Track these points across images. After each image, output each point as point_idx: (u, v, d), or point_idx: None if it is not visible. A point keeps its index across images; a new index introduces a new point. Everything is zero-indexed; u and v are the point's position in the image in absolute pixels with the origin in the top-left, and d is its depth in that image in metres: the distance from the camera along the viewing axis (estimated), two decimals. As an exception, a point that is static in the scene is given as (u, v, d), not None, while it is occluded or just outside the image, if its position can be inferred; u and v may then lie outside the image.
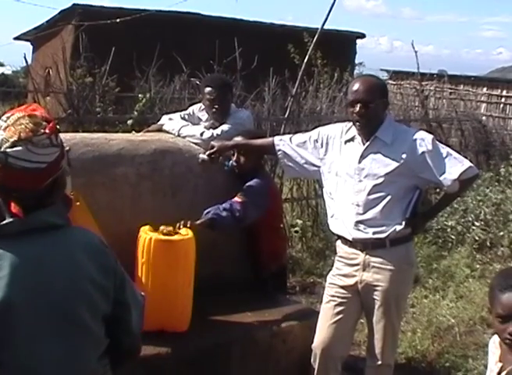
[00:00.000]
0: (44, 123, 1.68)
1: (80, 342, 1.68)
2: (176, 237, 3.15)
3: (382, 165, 3.13)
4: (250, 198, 3.57)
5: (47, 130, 1.67)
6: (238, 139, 3.66)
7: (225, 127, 3.85)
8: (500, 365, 2.05)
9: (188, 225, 3.25)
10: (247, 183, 3.65)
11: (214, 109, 3.91)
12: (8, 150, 1.62)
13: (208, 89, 3.90)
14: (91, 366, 1.71)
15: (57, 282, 1.64)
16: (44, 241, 1.66)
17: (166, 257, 3.11)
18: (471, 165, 3.15)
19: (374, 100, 3.10)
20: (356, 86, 3.15)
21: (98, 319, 1.72)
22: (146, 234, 3.15)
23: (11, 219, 1.66)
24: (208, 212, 3.42)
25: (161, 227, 3.19)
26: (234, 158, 3.74)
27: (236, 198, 3.54)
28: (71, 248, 1.69)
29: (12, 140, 1.63)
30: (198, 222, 3.35)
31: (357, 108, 3.09)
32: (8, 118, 1.68)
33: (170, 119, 4.10)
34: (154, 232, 3.18)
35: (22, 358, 1.62)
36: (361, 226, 3.16)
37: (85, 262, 1.68)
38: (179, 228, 3.22)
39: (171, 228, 3.19)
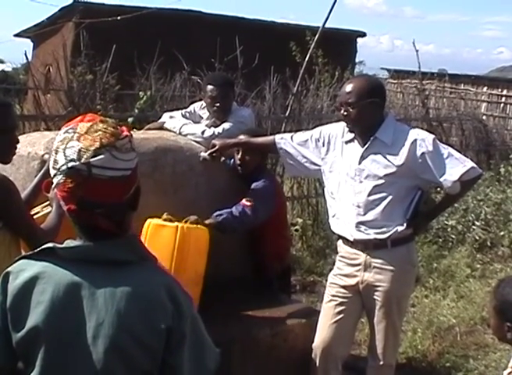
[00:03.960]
0: (119, 127, 1.53)
1: None
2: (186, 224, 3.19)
3: (382, 166, 3.11)
4: (259, 200, 3.53)
5: (126, 132, 1.53)
6: (241, 137, 3.66)
7: (226, 126, 3.83)
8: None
9: (194, 221, 3.25)
10: (254, 185, 3.61)
11: (215, 107, 3.89)
12: (91, 160, 1.45)
13: (209, 87, 3.88)
14: None
15: (92, 325, 1.48)
16: (98, 275, 1.49)
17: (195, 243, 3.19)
18: (474, 165, 3.12)
19: (357, 101, 3.06)
20: (342, 88, 3.18)
21: None
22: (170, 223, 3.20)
23: (71, 244, 1.52)
24: (218, 215, 3.39)
25: (164, 216, 3.23)
26: (239, 156, 3.70)
27: (245, 202, 3.49)
28: (122, 295, 1.49)
29: (92, 148, 1.46)
30: (207, 221, 3.33)
31: (342, 111, 3.10)
32: (73, 128, 1.51)
33: (171, 117, 4.08)
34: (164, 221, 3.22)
35: None
36: (362, 228, 3.15)
37: (131, 315, 1.49)
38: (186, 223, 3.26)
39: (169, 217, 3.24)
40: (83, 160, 1.45)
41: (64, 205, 1.52)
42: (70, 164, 1.46)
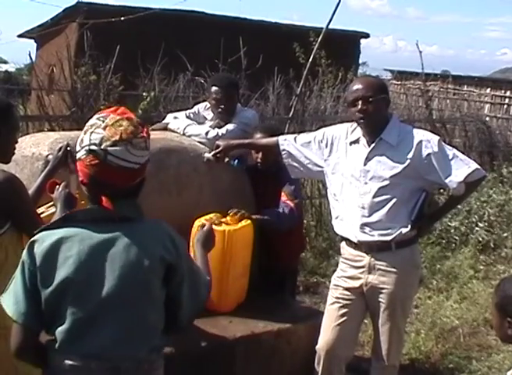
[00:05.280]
0: (141, 127, 1.85)
1: (134, 330, 1.83)
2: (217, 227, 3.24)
3: (387, 167, 3.11)
4: (298, 198, 3.76)
5: (144, 134, 1.85)
6: (258, 136, 3.74)
7: (230, 127, 3.83)
8: None
9: (239, 215, 3.48)
10: (287, 184, 3.71)
11: (220, 109, 3.89)
12: (108, 148, 1.78)
13: (214, 88, 3.88)
14: (140, 355, 1.86)
15: (116, 270, 1.80)
16: (113, 230, 1.82)
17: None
18: (478, 167, 3.12)
19: (374, 95, 3.09)
20: (355, 85, 3.18)
21: (157, 308, 1.88)
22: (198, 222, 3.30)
23: (87, 207, 1.86)
24: (265, 212, 3.64)
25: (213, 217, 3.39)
26: (260, 156, 3.80)
27: (289, 201, 3.68)
28: (139, 243, 1.83)
29: (113, 139, 1.78)
30: (254, 217, 3.58)
31: (359, 106, 3.09)
32: (104, 118, 1.83)
33: (175, 117, 4.08)
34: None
35: (74, 335, 1.78)
36: (367, 229, 3.15)
37: (150, 258, 1.82)
38: (234, 216, 3.47)
39: (220, 217, 3.41)
40: (102, 146, 1.78)
41: (80, 177, 1.85)
42: (92, 147, 1.79)
